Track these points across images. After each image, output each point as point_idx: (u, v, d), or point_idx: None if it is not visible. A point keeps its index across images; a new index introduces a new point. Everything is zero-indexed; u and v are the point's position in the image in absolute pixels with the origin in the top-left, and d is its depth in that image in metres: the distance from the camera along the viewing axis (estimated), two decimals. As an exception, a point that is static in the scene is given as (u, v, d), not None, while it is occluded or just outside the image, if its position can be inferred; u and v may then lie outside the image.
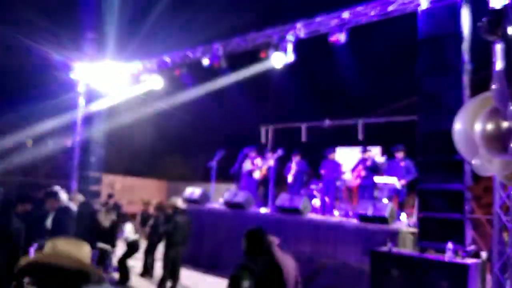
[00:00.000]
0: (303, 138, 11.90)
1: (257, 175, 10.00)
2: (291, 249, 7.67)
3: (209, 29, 11.06)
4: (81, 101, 11.94)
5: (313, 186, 10.30)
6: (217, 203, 9.99)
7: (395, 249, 6.08)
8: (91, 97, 11.78)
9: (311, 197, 9.89)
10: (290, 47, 8.89)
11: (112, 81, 11.49)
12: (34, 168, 13.10)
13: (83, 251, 1.76)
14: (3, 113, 13.73)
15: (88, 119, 11.69)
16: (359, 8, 8.03)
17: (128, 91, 11.51)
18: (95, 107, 11.60)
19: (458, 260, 5.44)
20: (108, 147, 11.78)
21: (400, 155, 8.57)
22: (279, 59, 8.96)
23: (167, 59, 10.90)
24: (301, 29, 8.89)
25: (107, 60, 11.27)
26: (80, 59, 11.41)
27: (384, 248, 6.09)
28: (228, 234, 8.51)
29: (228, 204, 9.10)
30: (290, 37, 8.95)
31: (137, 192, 13.79)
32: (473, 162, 3.23)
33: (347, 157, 10.81)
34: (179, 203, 6.74)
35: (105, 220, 7.06)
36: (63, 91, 11.71)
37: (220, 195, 10.14)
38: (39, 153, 12.23)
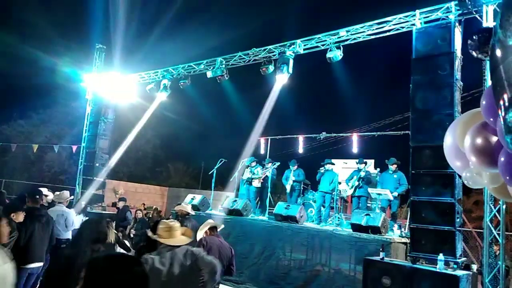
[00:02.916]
0: (300, 149, 12.28)
1: (256, 183, 10.33)
2: (287, 255, 8.00)
3: (213, 43, 11.52)
4: (88, 109, 12.36)
5: (309, 195, 10.62)
6: (217, 210, 10.31)
7: (387, 258, 6.23)
8: (98, 105, 12.20)
9: (307, 206, 10.19)
10: (289, 62, 9.32)
11: (118, 91, 11.91)
12: (40, 172, 13.45)
13: None
14: (15, 119, 14.15)
15: (95, 126, 12.09)
16: (356, 27, 8.46)
17: (134, 100, 11.92)
18: (102, 114, 12.00)
19: (449, 271, 5.55)
20: (112, 154, 12.13)
21: (393, 167, 8.89)
22: (279, 74, 9.38)
23: (173, 70, 11.34)
24: (300, 46, 9.33)
25: (114, 71, 11.71)
26: (89, 69, 11.86)
27: (377, 257, 6.23)
28: (226, 239, 8.79)
29: (227, 211, 9.40)
30: (289, 53, 9.39)
31: (139, 197, 14.10)
32: (464, 175, 3.27)
33: (342, 168, 11.17)
34: (189, 209, 6.96)
35: None
36: (72, 99, 12.15)
37: (219, 202, 10.45)
38: (46, 158, 12.59)
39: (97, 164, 11.77)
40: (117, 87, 11.95)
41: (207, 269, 2.88)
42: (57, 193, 7.17)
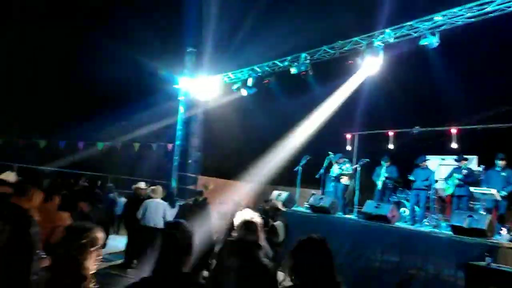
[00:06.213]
0: (391, 145, 11.59)
1: (344, 180, 10.03)
2: (377, 256, 7.62)
3: (297, 39, 11.46)
4: (181, 109, 13.22)
5: (401, 194, 10.00)
6: (302, 207, 10.24)
7: (494, 265, 5.69)
8: (189, 105, 13.01)
9: (399, 205, 9.61)
10: (378, 53, 8.84)
11: (207, 91, 12.54)
12: (141, 169, 14.82)
13: None
14: (116, 120, 15.91)
15: (187, 125, 12.92)
16: (454, 10, 7.70)
17: (222, 99, 12.44)
18: (193, 114, 12.78)
19: None
20: (203, 151, 12.84)
21: (501, 164, 7.95)
22: (367, 66, 8.95)
23: (257, 69, 11.55)
24: (390, 35, 8.79)
25: (204, 72, 12.37)
26: (181, 72, 12.70)
27: (482, 263, 5.72)
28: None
29: (313, 208, 9.27)
30: (378, 43, 8.90)
31: (228, 193, 14.63)
32: None
33: (439, 165, 10.27)
34: (280, 205, 7.01)
35: None
36: (166, 100, 13.12)
37: (305, 199, 10.37)
38: (144, 155, 13.79)
39: (189, 161, 12.55)
40: (206, 88, 12.57)
41: None
42: (153, 187, 7.79)
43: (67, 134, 15.18)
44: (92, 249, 1.94)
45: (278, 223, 6.49)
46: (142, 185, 8.22)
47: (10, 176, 5.11)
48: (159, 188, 7.62)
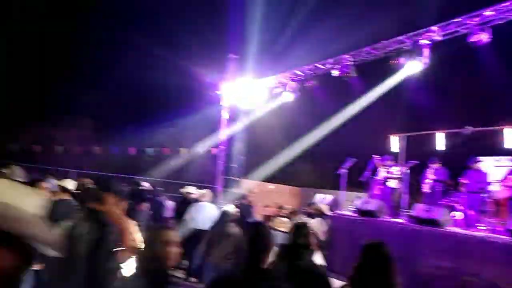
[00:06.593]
0: (440, 146, 11.14)
1: (392, 183, 9.79)
2: (428, 262, 7.37)
3: (338, 41, 11.38)
4: (225, 114, 13.52)
5: (453, 198, 9.60)
6: (347, 210, 10.10)
7: None
8: (233, 110, 13.29)
9: (450, 208, 9.23)
10: (424, 51, 8.59)
11: (250, 96, 12.75)
12: (186, 173, 15.33)
13: None
14: (164, 126, 16.60)
15: (230, 131, 13.20)
16: (506, 4, 7.35)
17: (264, 104, 12.59)
18: (237, 119, 13.05)
19: None
20: (247, 155, 13.05)
21: None
22: (413, 65, 8.72)
23: (299, 72, 11.59)
24: (436, 32, 8.52)
25: (246, 77, 12.59)
26: (224, 77, 13.02)
27: None
28: (359, 241, 8.54)
29: (360, 211, 9.12)
30: (424, 41, 8.65)
31: (272, 197, 14.78)
32: None
33: (493, 167, 9.76)
34: (325, 208, 7.01)
35: None
36: (210, 106, 13.50)
37: (349, 203, 10.23)
38: (190, 160, 14.25)
39: (234, 165, 12.80)
40: (248, 93, 12.78)
41: None
42: (201, 191, 8.07)
43: (119, 141, 16.04)
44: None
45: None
46: (191, 189, 8.54)
47: (69, 184, 5.46)
48: (208, 192, 7.87)
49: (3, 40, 18.78)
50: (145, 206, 6.06)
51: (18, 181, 1.76)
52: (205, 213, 7.39)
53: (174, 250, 2.14)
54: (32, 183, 5.04)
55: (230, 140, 13.11)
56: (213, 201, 8.81)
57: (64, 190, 5.21)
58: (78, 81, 21.48)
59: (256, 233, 2.27)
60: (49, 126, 20.02)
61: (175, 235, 2.22)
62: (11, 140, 15.97)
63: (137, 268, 2.16)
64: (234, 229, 5.23)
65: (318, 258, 3.70)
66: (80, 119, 21.12)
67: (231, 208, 7.10)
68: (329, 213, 7.02)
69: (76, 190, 5.27)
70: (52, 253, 1.32)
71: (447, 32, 8.44)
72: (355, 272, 2.36)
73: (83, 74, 22.37)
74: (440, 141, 10.76)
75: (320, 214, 6.72)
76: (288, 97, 11.85)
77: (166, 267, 2.15)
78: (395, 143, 11.40)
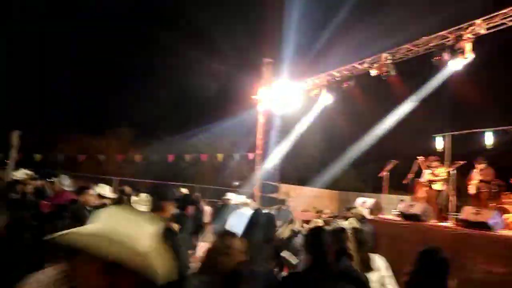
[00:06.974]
0: (489, 145, 10.53)
1: (437, 186, 9.37)
2: (480, 268, 6.95)
3: (376, 40, 11.10)
4: (260, 118, 13.52)
5: (505, 199, 9.02)
6: (390, 214, 9.76)
7: None
8: (268, 115, 13.26)
9: (501, 210, 8.68)
10: (468, 46, 8.17)
11: (286, 99, 12.68)
12: (224, 178, 15.49)
13: None
14: (200, 132, 16.90)
15: (266, 135, 13.18)
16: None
17: (301, 107, 12.48)
18: (272, 123, 13.02)
19: None
20: (284, 159, 12.98)
21: None
22: (456, 61, 8.32)
23: (335, 73, 11.37)
24: (481, 25, 8.08)
25: (282, 80, 12.55)
26: (260, 82, 13.06)
27: None
28: (403, 246, 8.21)
29: (404, 215, 8.79)
30: (468, 35, 8.23)
31: (310, 201, 14.57)
32: None
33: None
34: (366, 212, 6.79)
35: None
36: (247, 110, 13.59)
37: (392, 206, 9.88)
38: (228, 165, 14.37)
39: (270, 170, 12.75)
40: (284, 96, 12.71)
41: None
42: (239, 196, 8.12)
43: (158, 148, 16.49)
44: None
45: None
46: (231, 195, 8.61)
47: (105, 189, 5.60)
48: (244, 198, 7.90)
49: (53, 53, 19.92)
50: (191, 210, 6.19)
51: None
52: (241, 218, 7.39)
53: (239, 258, 2.21)
54: (79, 190, 5.23)
55: (265, 144, 13.08)
56: (254, 207, 8.84)
57: (103, 197, 5.36)
58: (118, 92, 22.36)
59: (320, 236, 2.52)
60: (91, 136, 20.93)
61: (241, 243, 2.25)
62: (57, 150, 16.78)
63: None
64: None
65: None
66: (120, 128, 21.92)
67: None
68: (370, 217, 6.78)
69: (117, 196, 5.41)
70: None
71: (493, 25, 7.98)
72: (411, 278, 2.30)
73: (123, 84, 23.26)
74: (488, 139, 10.18)
75: (359, 218, 6.51)
76: (326, 99, 11.65)
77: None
78: (439, 143, 10.90)
